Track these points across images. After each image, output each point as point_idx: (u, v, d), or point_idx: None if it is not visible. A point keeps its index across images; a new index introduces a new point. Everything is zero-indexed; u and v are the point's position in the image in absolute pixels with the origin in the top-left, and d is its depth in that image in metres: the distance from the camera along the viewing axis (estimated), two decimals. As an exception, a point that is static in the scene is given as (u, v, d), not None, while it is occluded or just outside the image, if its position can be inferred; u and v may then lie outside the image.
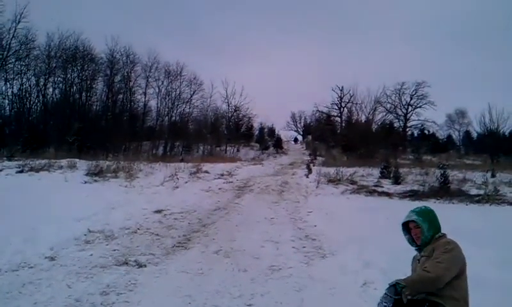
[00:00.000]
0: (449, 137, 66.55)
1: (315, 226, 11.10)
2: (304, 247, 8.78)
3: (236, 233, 9.97)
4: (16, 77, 40.75)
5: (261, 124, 69.01)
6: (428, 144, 54.89)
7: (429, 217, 3.70)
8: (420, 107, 62.75)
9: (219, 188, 18.92)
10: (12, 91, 40.97)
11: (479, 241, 7.71)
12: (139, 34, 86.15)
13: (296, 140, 49.57)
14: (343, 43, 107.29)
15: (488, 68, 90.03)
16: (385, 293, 3.32)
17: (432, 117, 62.89)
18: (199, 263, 7.30)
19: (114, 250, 7.92)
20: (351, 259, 7.16)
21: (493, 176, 22.87)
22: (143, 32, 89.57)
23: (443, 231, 3.68)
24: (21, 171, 16.45)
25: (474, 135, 61.62)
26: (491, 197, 16.65)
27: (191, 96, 54.32)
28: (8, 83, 40.25)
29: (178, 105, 53.89)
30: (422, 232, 3.74)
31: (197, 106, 55.91)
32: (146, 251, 7.95)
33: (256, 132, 68.23)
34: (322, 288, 6.02)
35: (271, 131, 72.12)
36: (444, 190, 18.05)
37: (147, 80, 50.66)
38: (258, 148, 59.12)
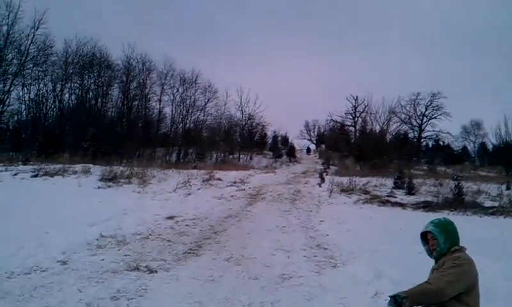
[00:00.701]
0: (464, 148, 65.82)
1: (327, 235, 11.05)
2: (315, 256, 8.74)
3: (247, 241, 9.96)
4: (34, 83, 41.33)
5: (274, 132, 68.90)
6: (442, 155, 54.41)
7: (446, 229, 3.65)
8: (435, 117, 62.08)
9: (232, 196, 18.92)
10: (29, 96, 41.54)
11: (492, 253, 7.63)
12: (156, 42, 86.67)
13: (308, 150, 49.19)
14: (359, 52, 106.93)
15: (505, 79, 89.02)
16: (387, 305, 3.36)
17: (448, 128, 62.15)
18: (210, 270, 7.31)
19: (126, 255, 7.97)
20: (363, 270, 7.11)
21: (508, 188, 22.57)
22: (159, 40, 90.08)
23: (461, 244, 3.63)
24: (36, 176, 16.64)
25: (489, 146, 60.92)
26: (506, 210, 16.46)
27: (206, 104, 54.48)
28: (25, 88, 40.83)
29: (192, 112, 54.10)
30: (438, 244, 3.71)
31: (211, 114, 56.05)
32: (157, 257, 7.97)
33: (270, 140, 68.09)
34: (333, 297, 5.98)
35: (285, 139, 71.94)
36: (458, 202, 17.89)
37: (162, 87, 50.96)
38: (271, 156, 59.00)
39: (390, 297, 3.41)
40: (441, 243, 3.66)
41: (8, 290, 5.56)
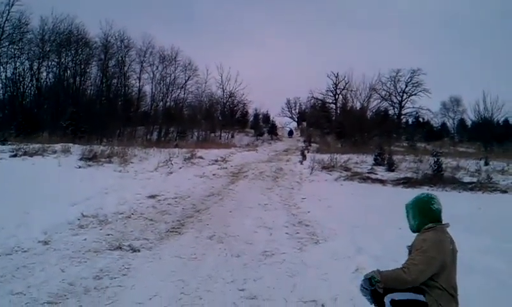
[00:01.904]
0: (443, 124, 66.60)
1: (309, 212, 11.14)
2: (297, 233, 8.82)
3: (230, 219, 10.00)
4: (10, 61, 40.45)
5: (256, 110, 68.62)
6: (422, 131, 55.03)
7: (418, 205, 3.69)
8: (415, 94, 62.64)
9: (213, 174, 18.92)
10: (5, 75, 40.71)
11: (471, 228, 7.80)
12: (134, 19, 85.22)
13: (290, 133, 48.01)
14: (339, 29, 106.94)
15: (483, 56, 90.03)
16: (361, 285, 3.48)
17: (427, 105, 62.67)
18: (192, 248, 7.33)
19: (108, 234, 7.94)
20: (344, 246, 7.20)
21: (486, 164, 23.01)
22: (137, 17, 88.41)
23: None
24: (14, 155, 16.41)
25: (468, 123, 61.82)
26: (484, 185, 16.78)
27: (186, 82, 54.04)
28: (1, 67, 39.99)
29: (172, 90, 53.63)
30: (408, 219, 3.78)
31: (192, 92, 55.64)
32: (139, 236, 7.97)
33: (251, 118, 67.84)
34: (315, 273, 6.06)
35: (266, 117, 71.75)
36: (437, 178, 18.18)
37: (141, 65, 50.31)
38: (253, 134, 58.87)
39: (365, 278, 3.53)
40: (410, 219, 3.73)
41: (-12, 271, 5.52)
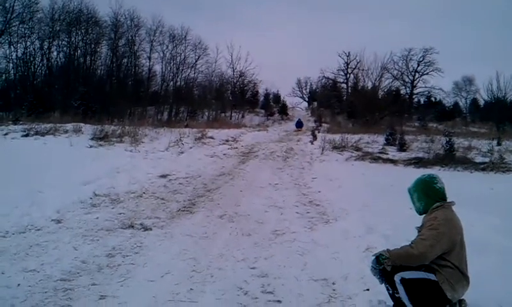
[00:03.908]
0: (456, 104, 65.86)
1: (319, 192, 11.15)
2: (308, 212, 8.84)
3: (240, 198, 10.04)
4: (20, 41, 40.53)
5: (266, 90, 68.38)
6: (434, 111, 54.49)
7: (420, 186, 3.66)
8: (427, 74, 61.82)
9: (224, 154, 18.97)
10: (16, 55, 40.82)
11: (483, 208, 7.75)
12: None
13: (299, 124, 45.56)
14: (351, 7, 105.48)
15: (497, 35, 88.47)
16: (371, 265, 3.49)
17: (439, 84, 61.84)
18: (204, 227, 7.38)
19: (120, 213, 8.02)
20: (354, 225, 7.20)
21: (498, 144, 22.75)
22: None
23: (451, 198, 3.65)
24: (26, 135, 16.54)
25: (481, 103, 61.17)
26: (497, 165, 16.63)
27: (196, 61, 53.77)
28: (11, 46, 40.09)
29: (183, 70, 53.38)
30: (413, 202, 3.76)
31: (202, 71, 55.35)
32: (151, 215, 8.03)
33: (262, 98, 67.68)
34: (325, 252, 6.08)
35: (277, 97, 71.57)
36: (449, 158, 18.04)
37: (151, 45, 50.08)
38: (264, 114, 58.82)
39: (374, 257, 3.53)
40: (415, 201, 3.70)
41: (3, 248, 5.60)
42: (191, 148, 19.58)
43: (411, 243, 3.40)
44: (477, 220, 6.31)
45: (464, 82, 65.05)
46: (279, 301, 4.48)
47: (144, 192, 10.19)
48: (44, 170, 10.73)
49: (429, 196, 3.58)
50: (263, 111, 60.68)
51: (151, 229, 7.02)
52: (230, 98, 58.12)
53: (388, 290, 3.63)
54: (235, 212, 8.55)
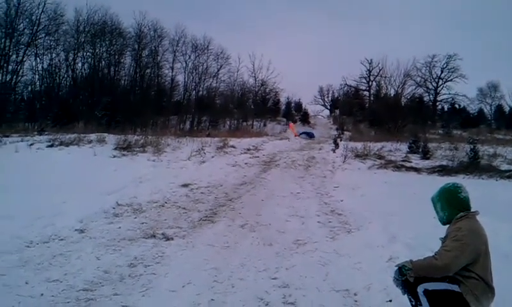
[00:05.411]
0: (480, 111, 64.93)
1: (342, 200, 11.06)
2: (330, 221, 8.77)
3: (262, 208, 10.02)
4: (46, 52, 41.60)
5: (288, 98, 68.46)
6: (458, 118, 53.80)
7: (444, 196, 3.58)
8: (450, 80, 61.13)
9: (246, 163, 18.95)
10: (42, 66, 41.84)
11: (508, 217, 7.57)
12: (166, 8, 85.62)
13: (310, 134, 43.66)
14: (373, 15, 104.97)
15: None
16: (393, 276, 3.44)
17: (463, 91, 61.31)
18: (225, 236, 7.38)
19: (142, 223, 8.07)
20: (377, 234, 7.11)
21: (525, 151, 22.30)
22: (169, 6, 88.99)
23: (475, 207, 3.57)
24: (51, 146, 16.78)
25: (506, 109, 60.12)
26: (523, 173, 16.28)
27: (218, 71, 54.37)
28: (38, 58, 41.11)
29: (205, 79, 54.08)
30: (436, 212, 3.68)
31: (224, 80, 56.01)
32: (173, 224, 8.07)
33: (283, 107, 67.73)
34: (348, 262, 6.01)
35: (298, 105, 71.49)
36: (474, 166, 17.73)
37: (174, 55, 50.88)
38: (285, 122, 58.79)
39: (396, 267, 3.48)
40: (438, 210, 3.62)
41: (27, 258, 5.68)
42: (212, 157, 19.62)
43: (435, 254, 3.33)
44: (502, 230, 6.18)
45: (489, 88, 64.21)
46: (300, 312, 4.44)
47: (166, 202, 10.24)
48: (68, 180, 10.89)
49: (452, 206, 3.51)
50: (284, 119, 60.65)
51: (173, 238, 7.05)
52: (252, 106, 58.32)
53: (410, 301, 3.56)
54: (257, 222, 8.54)
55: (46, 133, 20.20)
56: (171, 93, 52.76)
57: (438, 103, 64.08)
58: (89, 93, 42.55)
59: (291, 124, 44.29)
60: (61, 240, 6.65)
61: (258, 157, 21.73)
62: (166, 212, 9.18)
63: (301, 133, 42.11)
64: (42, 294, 4.56)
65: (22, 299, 4.41)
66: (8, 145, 16.10)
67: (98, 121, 29.48)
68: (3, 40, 36.75)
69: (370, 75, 65.26)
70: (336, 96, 76.49)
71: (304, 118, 61.18)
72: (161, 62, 50.07)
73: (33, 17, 38.24)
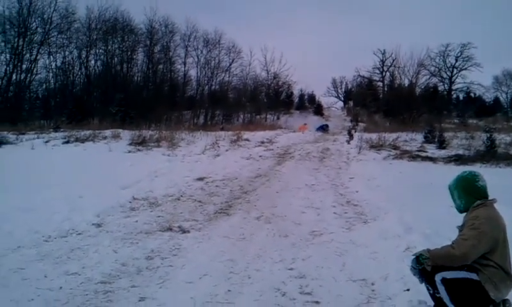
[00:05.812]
0: (496, 99, 64.00)
1: (357, 191, 11.01)
2: (345, 212, 8.74)
3: (277, 200, 10.02)
4: (59, 51, 42.01)
5: (301, 91, 67.97)
6: (474, 107, 53.16)
7: (462, 184, 3.54)
8: (465, 69, 60.21)
9: (260, 156, 18.97)
10: (56, 64, 42.26)
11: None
12: (177, 4, 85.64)
13: (322, 127, 42.72)
14: (387, 4, 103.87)
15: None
16: (411, 265, 3.41)
17: (479, 79, 60.15)
18: (241, 228, 7.39)
19: (159, 216, 8.12)
20: (393, 225, 7.06)
21: (543, 138, 21.98)
22: (180, 2, 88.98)
23: (492, 195, 3.52)
24: (67, 142, 17.02)
25: (523, 96, 59.22)
26: (541, 161, 16.09)
27: (230, 65, 54.35)
28: (51, 56, 41.56)
29: (217, 74, 54.09)
30: (453, 200, 3.64)
31: (236, 74, 55.90)
32: (189, 217, 8.10)
33: (296, 99, 67.40)
34: (364, 252, 5.98)
35: (312, 98, 71.11)
36: (490, 154, 17.56)
37: (186, 50, 50.91)
38: (299, 115, 58.57)
39: (414, 256, 3.45)
40: (456, 198, 3.58)
41: (46, 252, 5.75)
42: (227, 150, 19.67)
43: (452, 243, 3.29)
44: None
45: (504, 76, 63.22)
46: (317, 302, 4.43)
47: (181, 195, 10.28)
48: (84, 175, 11.01)
49: (470, 194, 3.47)
50: (298, 112, 60.42)
51: (189, 231, 7.07)
52: (265, 100, 58.17)
53: (428, 290, 3.54)
54: (272, 213, 8.53)
55: (61, 130, 20.49)
56: (184, 88, 52.86)
57: (453, 93, 63.29)
58: (102, 90, 42.83)
59: (301, 126, 43.36)
60: (79, 234, 6.71)
61: (272, 149, 21.74)
62: (181, 206, 9.21)
63: (317, 129, 41.55)
64: (61, 287, 4.61)
65: (41, 291, 4.46)
66: (24, 142, 16.34)
67: (113, 118, 29.70)
68: (16, 39, 37.27)
69: (383, 65, 64.54)
70: (349, 87, 75.99)
71: (318, 110, 60.88)
72: (173, 58, 50.23)
73: (45, 16, 38.70)
